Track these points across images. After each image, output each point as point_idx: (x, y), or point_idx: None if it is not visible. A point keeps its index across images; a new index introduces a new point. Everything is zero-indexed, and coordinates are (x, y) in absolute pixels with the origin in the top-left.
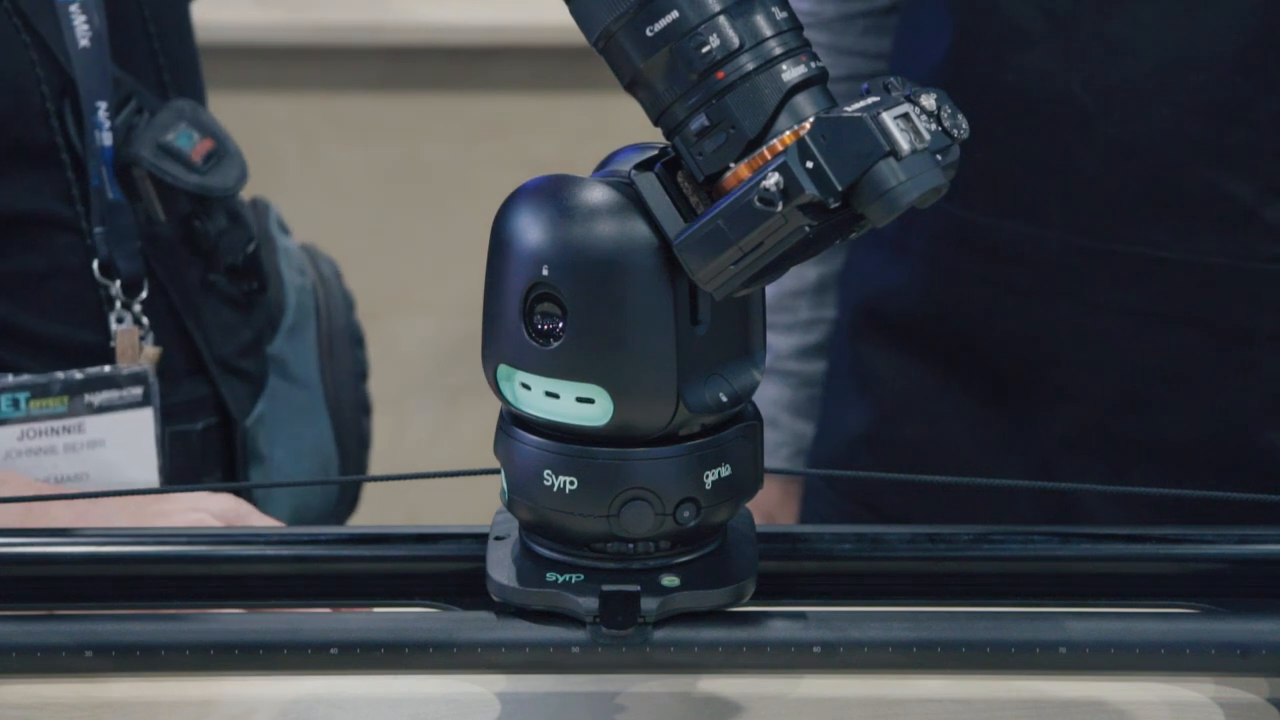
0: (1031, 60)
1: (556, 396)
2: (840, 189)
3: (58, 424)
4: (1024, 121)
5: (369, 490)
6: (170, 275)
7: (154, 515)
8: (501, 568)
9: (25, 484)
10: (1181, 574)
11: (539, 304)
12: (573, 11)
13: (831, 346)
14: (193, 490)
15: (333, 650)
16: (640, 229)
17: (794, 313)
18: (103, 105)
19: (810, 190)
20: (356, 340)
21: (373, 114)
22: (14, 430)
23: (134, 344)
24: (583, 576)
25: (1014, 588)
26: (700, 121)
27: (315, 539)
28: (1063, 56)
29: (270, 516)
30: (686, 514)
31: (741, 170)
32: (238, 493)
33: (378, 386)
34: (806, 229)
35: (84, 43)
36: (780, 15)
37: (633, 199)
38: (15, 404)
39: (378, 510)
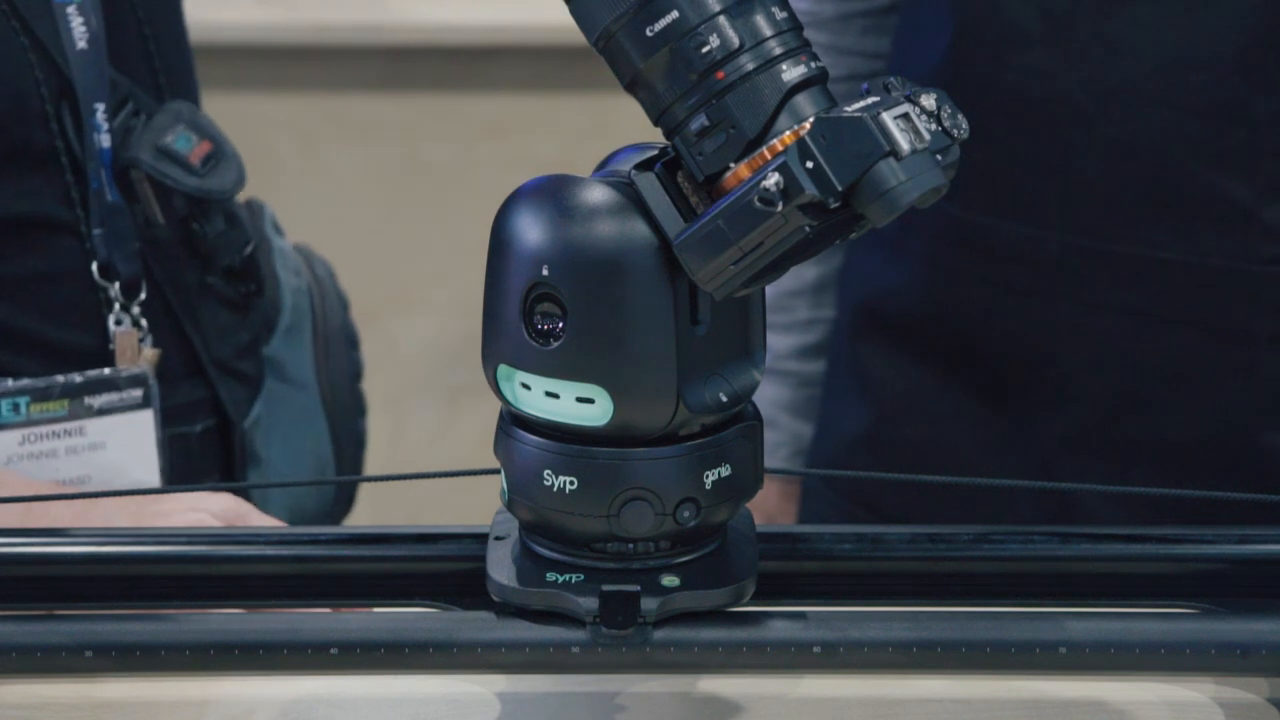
0: (1031, 60)
1: (556, 396)
2: (840, 189)
3: (58, 427)
4: (1023, 122)
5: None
6: (168, 277)
7: (154, 515)
8: (501, 568)
9: (25, 484)
10: (1181, 574)
11: (539, 304)
12: (573, 11)
13: (831, 347)
14: (193, 490)
15: (333, 650)
16: (640, 229)
17: (792, 313)
18: (101, 107)
19: (810, 190)
20: (351, 341)
21: (373, 114)
22: (15, 435)
23: (133, 346)
24: (583, 576)
25: (1014, 588)
26: (700, 121)
27: (315, 539)
28: (1062, 57)
29: (270, 516)
30: (686, 514)
31: (741, 170)
32: (237, 493)
33: (377, 387)
34: (806, 229)
35: (81, 45)
36: (780, 15)
37: (633, 199)
38: (16, 408)
39: (378, 510)
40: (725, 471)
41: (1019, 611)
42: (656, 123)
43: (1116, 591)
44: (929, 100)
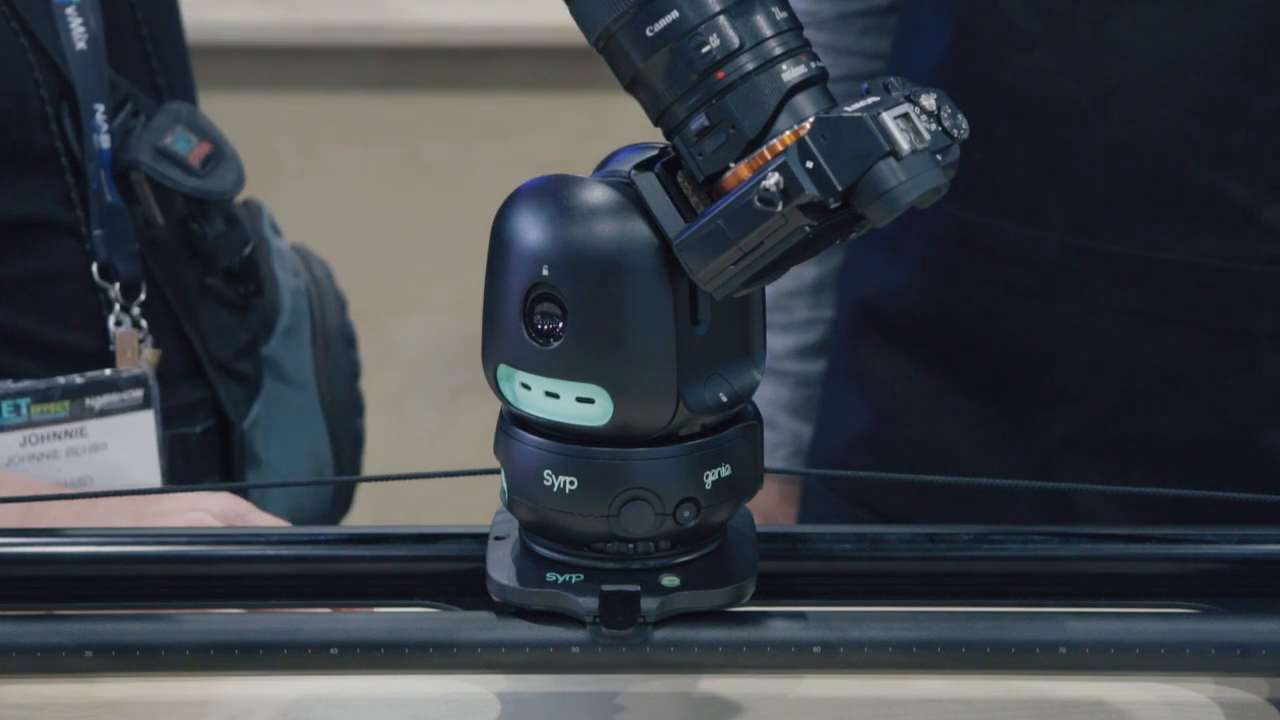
0: (1030, 61)
1: (556, 396)
2: (840, 189)
3: (59, 429)
4: (1023, 122)
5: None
6: (168, 278)
7: (154, 515)
8: (501, 568)
9: (24, 484)
10: (1181, 574)
11: (539, 304)
12: (573, 11)
13: (830, 347)
14: (193, 490)
15: (333, 650)
16: (640, 229)
17: (791, 312)
18: (100, 108)
19: (810, 190)
20: (349, 341)
21: (373, 114)
22: (16, 436)
23: (133, 347)
24: (583, 576)
25: (1014, 588)
26: (700, 121)
27: (315, 539)
28: (1061, 57)
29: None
30: (686, 514)
31: (741, 170)
32: (237, 493)
33: (378, 387)
34: (806, 229)
35: (81, 45)
36: (780, 15)
37: (633, 199)
38: (17, 410)
39: (378, 510)
40: (725, 471)
41: (1019, 611)
42: (656, 123)
43: (1116, 591)
44: (929, 100)
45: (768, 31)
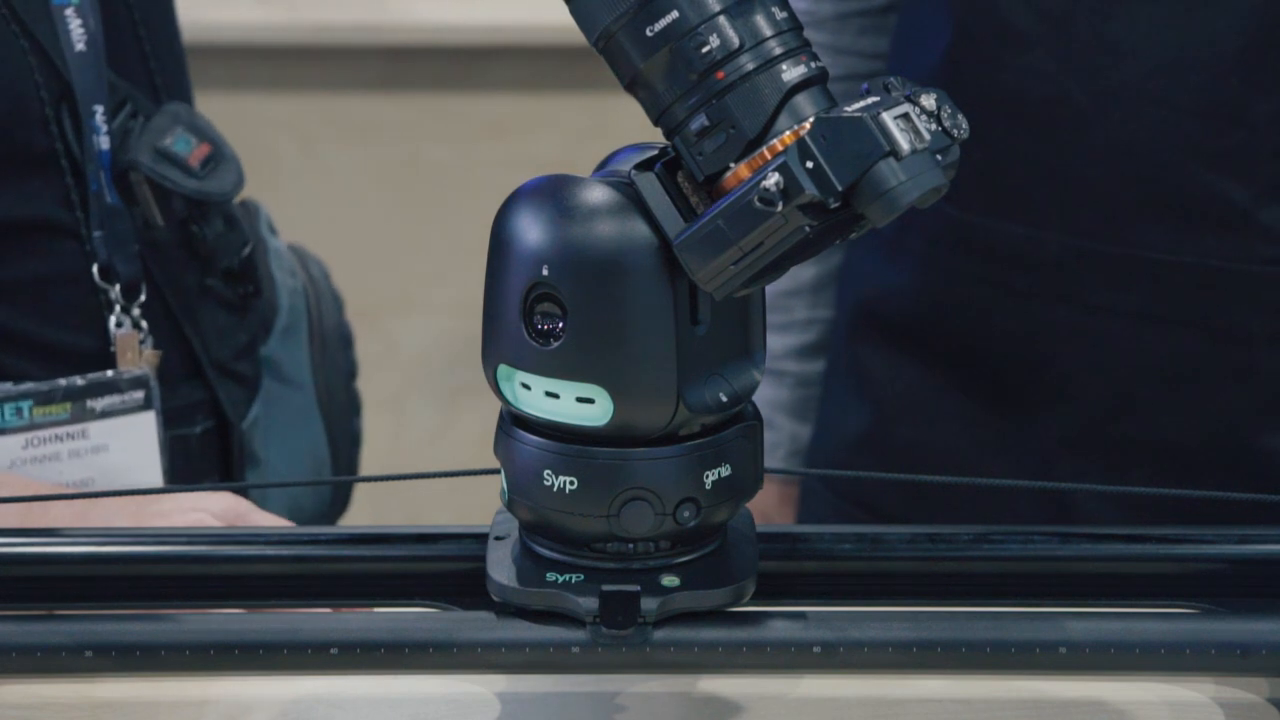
0: (1029, 61)
1: (556, 396)
2: (840, 189)
3: (61, 430)
4: (1022, 123)
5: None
6: (167, 279)
7: (154, 515)
8: (501, 568)
9: (24, 485)
10: (1181, 574)
11: (539, 304)
12: (573, 11)
13: (829, 347)
14: (193, 490)
15: (333, 650)
16: (640, 229)
17: (789, 312)
18: (99, 109)
19: (810, 190)
20: (346, 340)
21: (372, 114)
22: (18, 439)
23: (134, 348)
24: (583, 576)
25: (1014, 588)
26: (700, 121)
27: (315, 539)
28: (1060, 58)
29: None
30: (686, 514)
31: (741, 170)
32: (237, 493)
33: (378, 387)
34: (806, 229)
35: (80, 47)
36: (780, 15)
37: (633, 199)
38: (19, 412)
39: (378, 510)
40: (725, 471)
41: (1019, 611)
42: (656, 123)
43: (1116, 591)
44: (929, 100)
45: (768, 31)
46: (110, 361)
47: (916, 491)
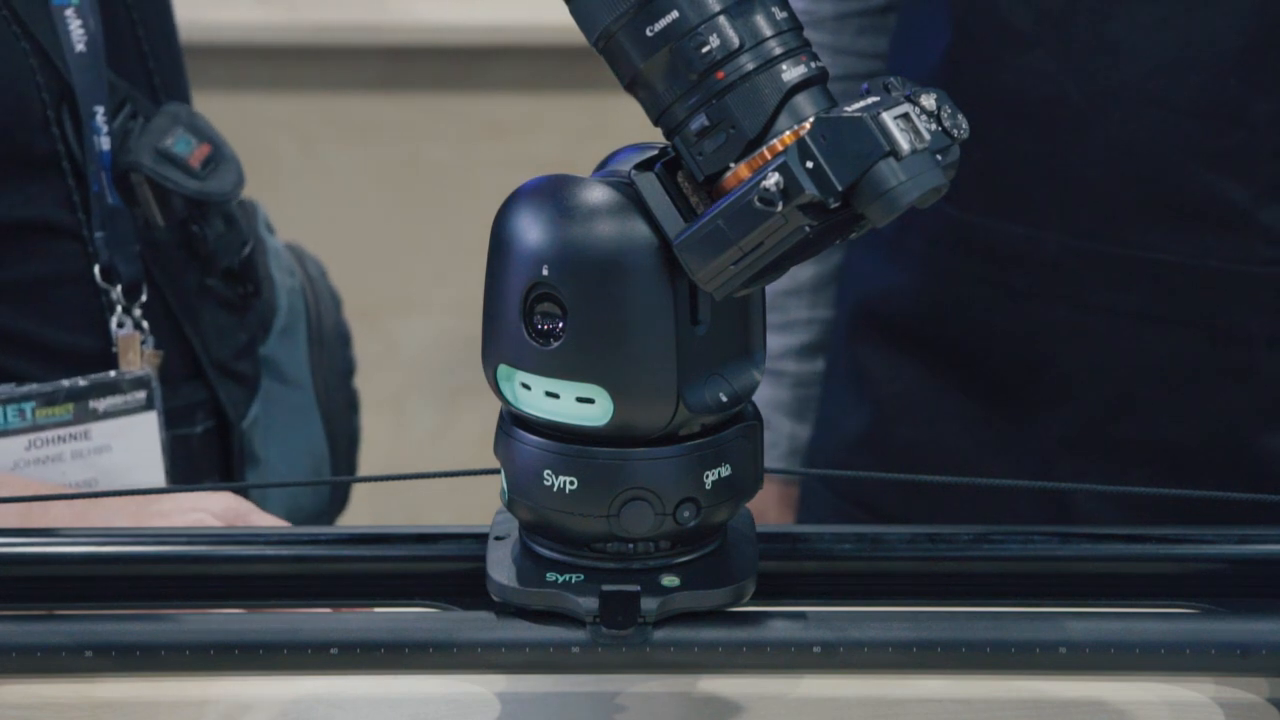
0: (1028, 61)
1: (556, 396)
2: (840, 189)
3: (64, 431)
4: (1021, 123)
5: (369, 490)
6: (168, 280)
7: (154, 515)
8: (501, 568)
9: (25, 486)
10: (1181, 574)
11: (539, 304)
12: (573, 11)
13: (827, 347)
14: (193, 490)
15: (333, 650)
16: (640, 229)
17: (788, 312)
18: (100, 110)
19: (810, 190)
20: (344, 339)
21: (372, 114)
22: (21, 440)
23: (135, 348)
24: (583, 576)
25: (1014, 588)
26: (700, 121)
27: (315, 539)
28: (1060, 58)
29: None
30: (686, 514)
31: (741, 170)
32: (237, 493)
33: (378, 387)
34: (806, 229)
35: (80, 47)
36: (780, 15)
37: (633, 199)
38: (22, 414)
39: (377, 510)
40: (725, 471)
41: (1019, 611)
42: (656, 123)
43: (1116, 591)
44: (929, 100)
45: (768, 31)
46: (112, 362)
47: (916, 491)
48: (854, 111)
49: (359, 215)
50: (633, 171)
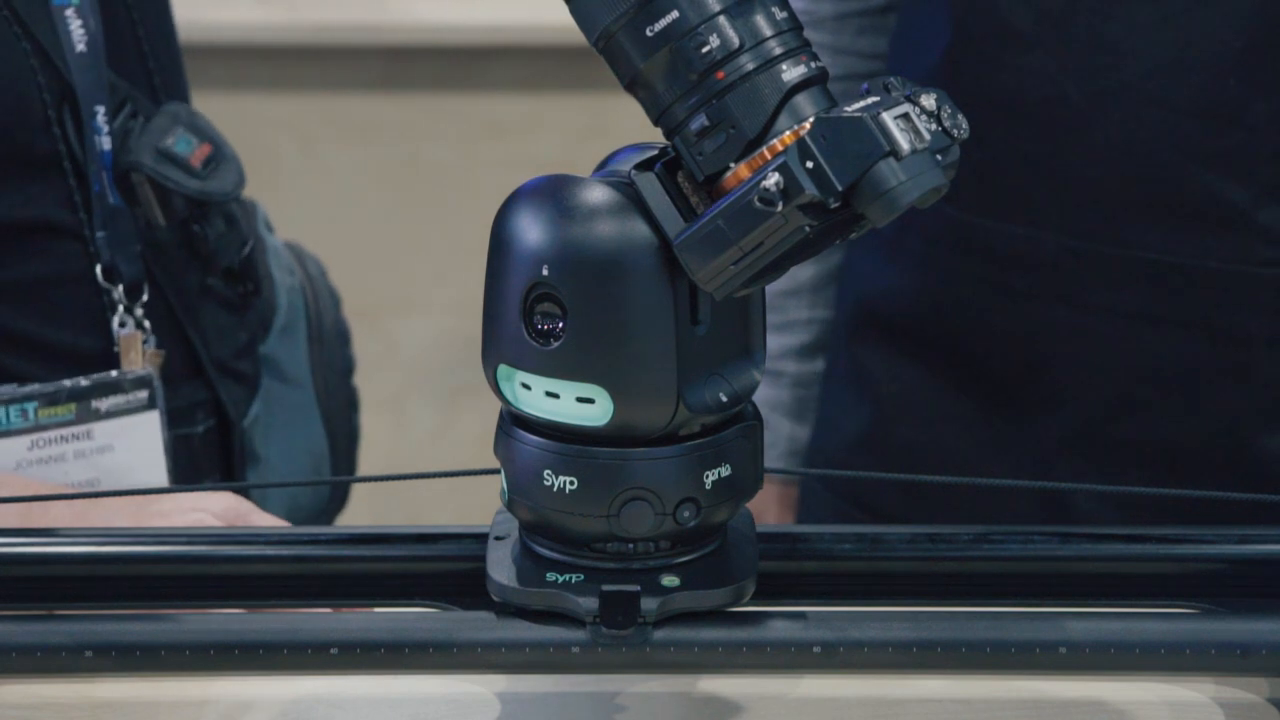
0: (1027, 62)
1: (556, 396)
2: (840, 189)
3: (66, 431)
4: (1020, 123)
5: (369, 490)
6: (169, 279)
7: (154, 515)
8: (501, 568)
9: (25, 486)
10: (1181, 574)
11: (539, 304)
12: (573, 11)
13: (827, 347)
14: (193, 490)
15: (333, 650)
16: (640, 229)
17: (787, 312)
18: (101, 110)
19: (810, 190)
20: (344, 337)
21: (372, 114)
22: (24, 440)
23: (137, 348)
24: (583, 576)
25: (1014, 588)
26: (700, 121)
27: (315, 539)
28: (1058, 58)
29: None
30: (686, 514)
31: (741, 170)
32: (237, 492)
33: (378, 386)
34: (806, 229)
35: (80, 47)
36: (780, 15)
37: (633, 199)
38: (24, 414)
39: (377, 510)
40: (725, 471)
41: (1019, 611)
42: (656, 123)
43: (1116, 591)
44: (929, 100)
45: (768, 31)
46: (113, 362)
47: (916, 491)
48: (854, 111)
49: (359, 215)
50: (633, 171)
